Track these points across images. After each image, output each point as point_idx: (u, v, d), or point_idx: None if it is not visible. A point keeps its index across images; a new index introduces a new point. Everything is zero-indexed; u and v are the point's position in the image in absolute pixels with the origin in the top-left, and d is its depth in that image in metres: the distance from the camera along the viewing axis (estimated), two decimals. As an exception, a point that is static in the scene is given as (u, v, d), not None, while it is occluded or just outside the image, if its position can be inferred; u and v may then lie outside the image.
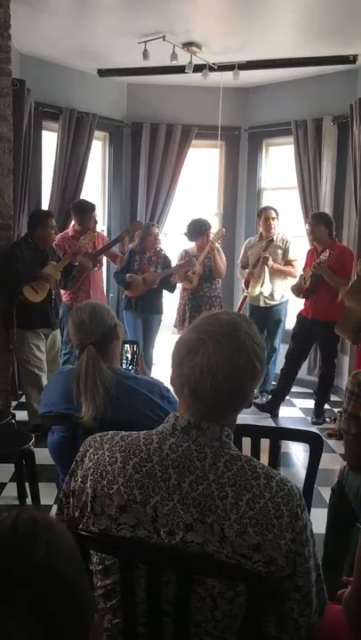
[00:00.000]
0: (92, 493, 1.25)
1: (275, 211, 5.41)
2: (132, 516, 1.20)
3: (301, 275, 5.07)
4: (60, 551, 0.67)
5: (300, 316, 5.11)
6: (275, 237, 5.40)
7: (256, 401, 5.50)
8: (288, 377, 5.13)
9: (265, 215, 5.43)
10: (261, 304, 5.45)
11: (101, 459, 1.27)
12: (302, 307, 5.13)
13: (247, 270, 5.47)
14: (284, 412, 5.30)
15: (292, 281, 5.25)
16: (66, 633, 0.64)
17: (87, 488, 1.27)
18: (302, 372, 5.42)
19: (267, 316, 5.49)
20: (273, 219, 5.37)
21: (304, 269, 5.11)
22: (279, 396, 5.17)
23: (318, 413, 5.09)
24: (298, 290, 5.03)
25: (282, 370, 5.18)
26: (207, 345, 1.20)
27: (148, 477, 1.21)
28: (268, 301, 5.43)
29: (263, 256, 5.28)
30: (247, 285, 5.50)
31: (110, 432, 1.33)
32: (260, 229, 5.51)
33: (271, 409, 5.15)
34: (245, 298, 5.54)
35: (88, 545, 1.26)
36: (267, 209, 5.48)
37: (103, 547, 1.26)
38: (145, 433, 1.29)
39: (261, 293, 5.39)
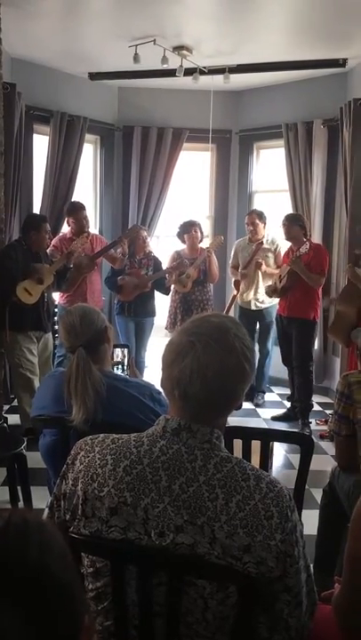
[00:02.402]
0: (82, 496, 1.26)
1: (258, 214, 5.47)
2: (122, 518, 1.21)
3: (277, 273, 5.11)
4: (52, 551, 0.68)
5: (278, 318, 5.15)
6: (264, 240, 5.44)
7: (256, 401, 5.54)
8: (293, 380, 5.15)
9: (248, 220, 5.51)
10: (253, 307, 5.50)
11: (92, 461, 1.28)
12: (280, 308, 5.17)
13: (240, 271, 5.50)
14: (274, 413, 5.33)
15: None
16: (58, 633, 0.64)
17: (78, 491, 1.27)
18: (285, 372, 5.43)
19: (258, 319, 5.55)
20: (253, 223, 5.43)
21: (281, 267, 5.15)
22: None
23: (304, 423, 4.97)
24: (272, 290, 5.07)
25: (289, 377, 5.22)
26: (197, 347, 1.21)
27: (139, 480, 1.22)
28: (259, 304, 5.47)
29: (256, 261, 5.31)
30: (237, 286, 5.54)
31: (101, 435, 1.34)
32: (248, 234, 5.57)
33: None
34: (234, 297, 5.57)
35: (79, 547, 1.27)
36: (250, 213, 5.57)
37: (94, 549, 1.26)
38: (135, 435, 1.30)
39: (257, 299, 5.44)
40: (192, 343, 1.22)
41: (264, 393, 5.72)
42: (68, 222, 5.16)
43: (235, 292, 5.58)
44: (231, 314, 5.54)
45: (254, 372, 1.30)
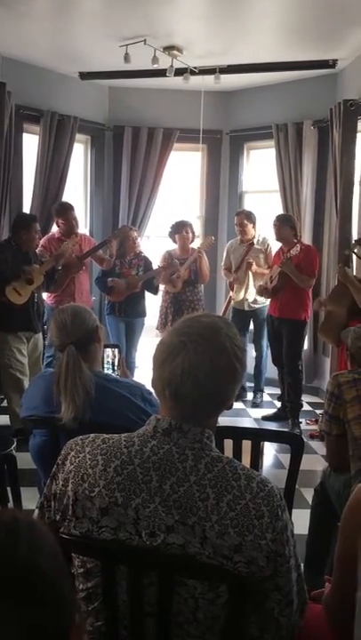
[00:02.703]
0: (73, 496, 1.25)
1: (247, 215, 5.49)
2: (113, 518, 1.21)
3: (268, 273, 5.12)
4: (42, 550, 0.68)
5: (269, 317, 5.17)
6: (255, 241, 5.45)
7: (255, 401, 5.55)
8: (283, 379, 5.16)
9: (236, 221, 5.54)
10: (246, 308, 5.51)
11: (83, 462, 1.27)
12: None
13: (232, 276, 5.52)
14: (264, 412, 5.34)
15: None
16: (47, 632, 0.64)
17: (68, 491, 1.27)
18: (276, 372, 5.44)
19: (252, 318, 5.55)
20: (242, 224, 5.44)
21: (271, 268, 5.16)
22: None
23: (294, 422, 4.97)
24: (263, 290, 5.09)
25: (279, 377, 5.23)
26: (188, 347, 1.21)
27: (130, 480, 1.21)
28: (253, 305, 5.48)
29: (247, 261, 5.33)
30: (232, 288, 5.56)
31: (92, 435, 1.33)
32: (238, 234, 5.59)
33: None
34: (230, 300, 5.59)
35: (70, 548, 1.26)
36: (238, 214, 5.59)
37: (85, 550, 1.26)
38: (126, 435, 1.29)
39: (246, 300, 5.46)
40: (183, 343, 1.22)
41: (262, 392, 5.71)
42: (57, 223, 5.15)
43: (231, 293, 5.59)
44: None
45: (245, 372, 1.30)
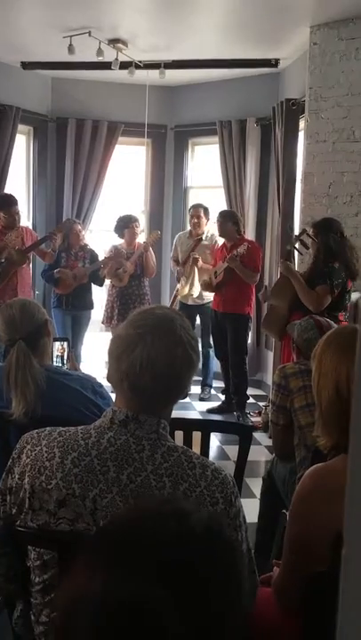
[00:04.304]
0: (29, 489, 1.25)
1: (203, 209, 5.49)
2: (70, 509, 1.21)
3: (212, 269, 5.19)
4: (236, 566, 0.74)
5: (212, 312, 5.25)
6: (203, 236, 5.50)
7: (203, 396, 5.60)
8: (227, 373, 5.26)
9: (193, 213, 5.52)
10: (190, 302, 5.54)
11: (39, 455, 1.27)
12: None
13: (178, 269, 5.55)
14: (209, 406, 5.42)
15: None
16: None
17: (25, 484, 1.27)
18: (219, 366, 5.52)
19: (198, 314, 5.59)
20: (200, 217, 5.47)
21: (214, 264, 5.23)
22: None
23: (242, 415, 5.05)
24: (207, 285, 5.16)
25: (223, 371, 5.31)
26: (145, 339, 1.23)
27: (87, 471, 1.23)
28: (198, 300, 5.51)
29: (193, 257, 5.36)
30: (179, 280, 5.58)
31: (47, 428, 1.34)
32: (190, 227, 5.61)
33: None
34: (177, 294, 5.61)
35: (26, 540, 1.26)
36: (195, 207, 5.57)
37: (41, 541, 1.26)
38: (83, 428, 1.30)
39: (191, 295, 5.49)
40: (140, 335, 1.23)
41: (210, 387, 5.76)
42: None
43: (178, 286, 5.61)
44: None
45: (200, 362, 1.33)
